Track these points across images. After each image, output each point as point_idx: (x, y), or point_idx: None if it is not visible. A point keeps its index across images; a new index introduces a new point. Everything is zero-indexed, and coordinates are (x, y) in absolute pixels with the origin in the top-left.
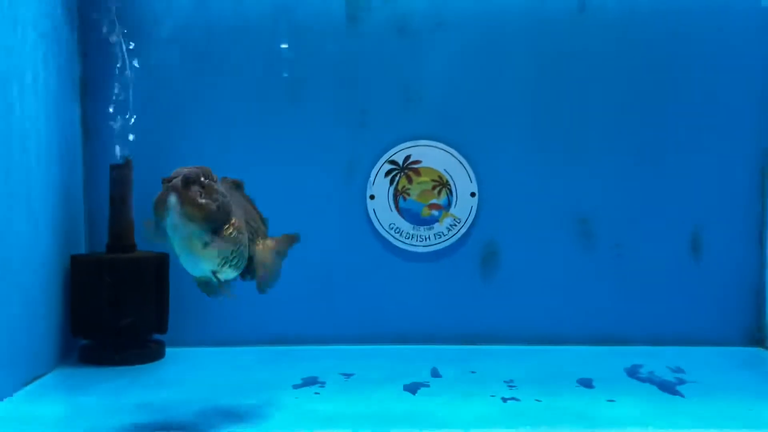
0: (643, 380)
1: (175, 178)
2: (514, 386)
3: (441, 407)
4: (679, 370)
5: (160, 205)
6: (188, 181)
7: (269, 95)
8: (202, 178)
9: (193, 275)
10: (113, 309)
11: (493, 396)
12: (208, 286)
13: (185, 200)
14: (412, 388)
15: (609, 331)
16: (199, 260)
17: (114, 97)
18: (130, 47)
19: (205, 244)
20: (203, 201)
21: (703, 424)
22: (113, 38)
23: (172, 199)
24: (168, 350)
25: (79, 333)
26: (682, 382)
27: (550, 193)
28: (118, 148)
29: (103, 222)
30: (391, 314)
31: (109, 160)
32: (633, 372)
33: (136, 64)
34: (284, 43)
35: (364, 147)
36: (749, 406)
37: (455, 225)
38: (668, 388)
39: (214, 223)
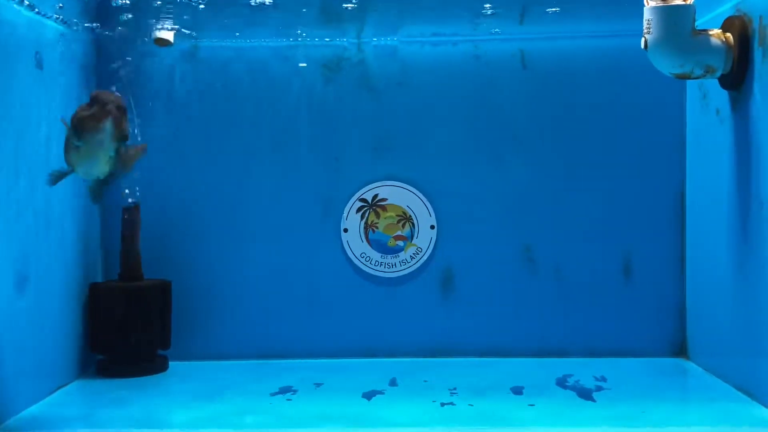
0: (567, 388)
1: None
2: (455, 393)
3: (387, 410)
4: (602, 378)
5: None
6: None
7: (258, 146)
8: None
9: None
10: (124, 329)
11: (434, 401)
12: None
13: None
14: (369, 395)
15: (550, 344)
16: None
17: None
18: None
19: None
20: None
21: (596, 423)
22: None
23: None
24: (171, 363)
25: (96, 349)
26: (600, 389)
27: (497, 225)
28: (128, 194)
29: (115, 256)
30: (362, 331)
31: (120, 204)
32: (562, 381)
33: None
34: (271, 99)
35: (339, 188)
36: (647, 407)
37: (417, 254)
38: (585, 394)
39: None
